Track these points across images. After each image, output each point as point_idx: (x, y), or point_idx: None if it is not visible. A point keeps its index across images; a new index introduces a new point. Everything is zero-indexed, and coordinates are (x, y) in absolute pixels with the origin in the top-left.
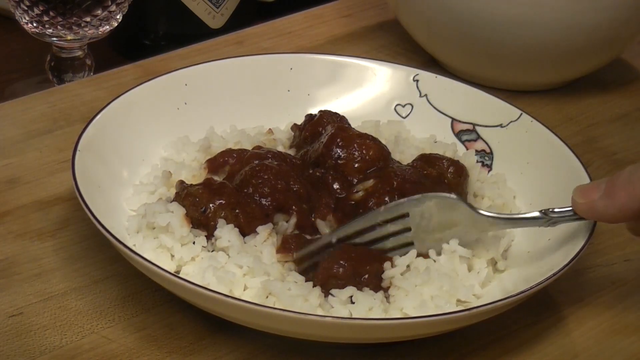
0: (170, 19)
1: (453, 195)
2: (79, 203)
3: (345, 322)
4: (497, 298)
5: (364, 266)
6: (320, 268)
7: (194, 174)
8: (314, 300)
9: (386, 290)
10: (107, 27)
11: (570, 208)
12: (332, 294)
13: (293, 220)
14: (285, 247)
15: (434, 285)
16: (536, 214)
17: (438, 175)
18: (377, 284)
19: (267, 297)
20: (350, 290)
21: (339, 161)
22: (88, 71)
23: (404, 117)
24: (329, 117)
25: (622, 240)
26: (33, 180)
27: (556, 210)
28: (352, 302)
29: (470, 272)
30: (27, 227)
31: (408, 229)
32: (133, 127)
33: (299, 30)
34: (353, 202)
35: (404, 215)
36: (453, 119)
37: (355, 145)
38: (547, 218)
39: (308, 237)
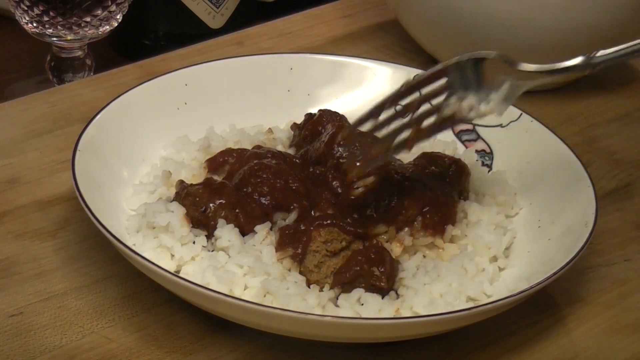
0: (170, 19)
1: (491, 53)
2: (79, 203)
3: (343, 321)
4: (504, 296)
5: (384, 264)
6: (347, 264)
7: (193, 174)
8: (312, 300)
9: (395, 290)
10: (107, 27)
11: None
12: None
13: (293, 215)
14: (283, 242)
15: (443, 283)
16: (578, 60)
17: (440, 173)
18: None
19: (264, 295)
20: (358, 292)
21: (340, 160)
22: (88, 71)
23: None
24: (328, 116)
25: (622, 240)
26: (33, 180)
27: (599, 53)
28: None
29: (477, 270)
30: (27, 227)
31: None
32: (133, 127)
33: (299, 30)
34: (353, 198)
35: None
36: None
37: (356, 144)
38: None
39: (303, 227)
